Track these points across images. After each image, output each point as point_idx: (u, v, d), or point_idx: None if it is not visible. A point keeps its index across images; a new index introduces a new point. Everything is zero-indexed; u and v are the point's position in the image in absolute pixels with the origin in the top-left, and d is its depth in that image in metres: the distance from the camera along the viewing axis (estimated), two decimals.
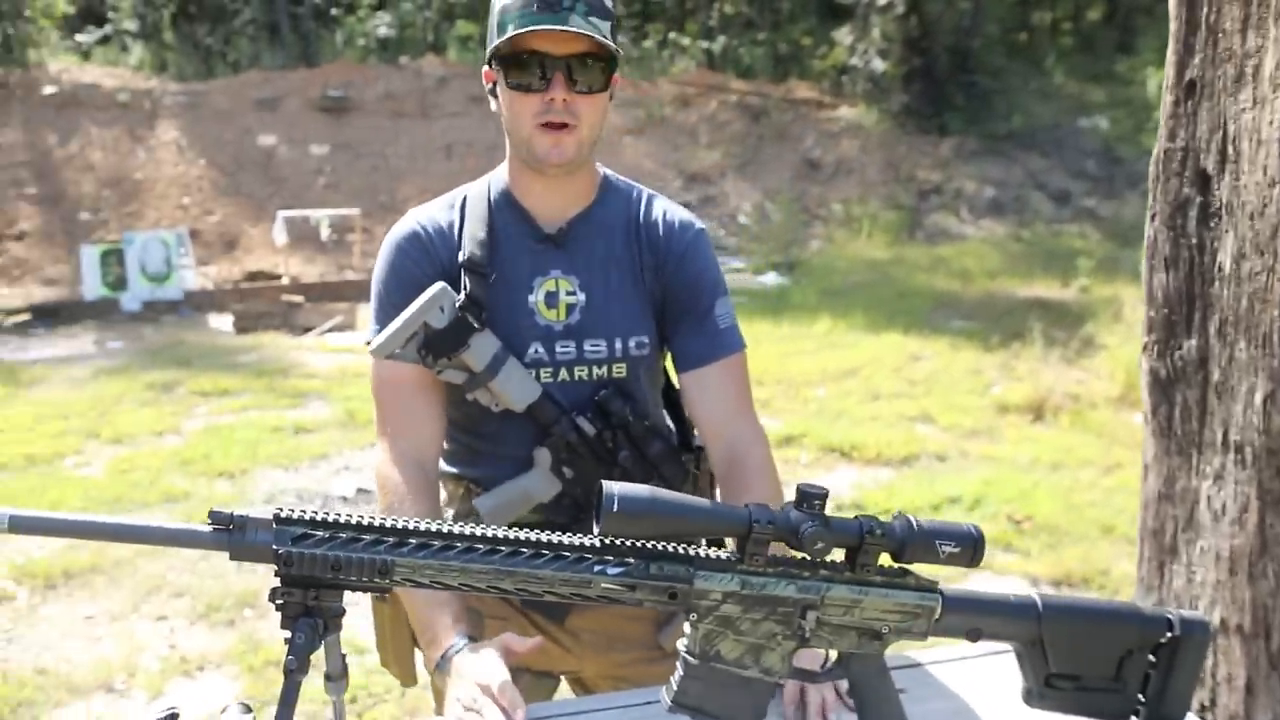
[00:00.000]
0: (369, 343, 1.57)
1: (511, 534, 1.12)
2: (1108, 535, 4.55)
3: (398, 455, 1.56)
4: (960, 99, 17.90)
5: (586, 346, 1.58)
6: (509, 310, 1.57)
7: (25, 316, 10.22)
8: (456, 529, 1.10)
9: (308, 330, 9.88)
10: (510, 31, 1.46)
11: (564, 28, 1.44)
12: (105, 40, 20.23)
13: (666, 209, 1.67)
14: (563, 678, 1.78)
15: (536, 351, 1.57)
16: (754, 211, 15.20)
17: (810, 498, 1.15)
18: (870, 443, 5.84)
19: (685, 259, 1.63)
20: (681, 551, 1.16)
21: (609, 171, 1.69)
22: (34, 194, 13.97)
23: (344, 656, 1.20)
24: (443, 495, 1.70)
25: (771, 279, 11.97)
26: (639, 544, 1.15)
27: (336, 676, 1.20)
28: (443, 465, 1.68)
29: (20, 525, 1.01)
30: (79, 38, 19.98)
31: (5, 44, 17.66)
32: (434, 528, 1.10)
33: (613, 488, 1.11)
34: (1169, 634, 1.24)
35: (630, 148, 16.43)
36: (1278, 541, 1.24)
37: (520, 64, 1.48)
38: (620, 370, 1.60)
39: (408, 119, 16.23)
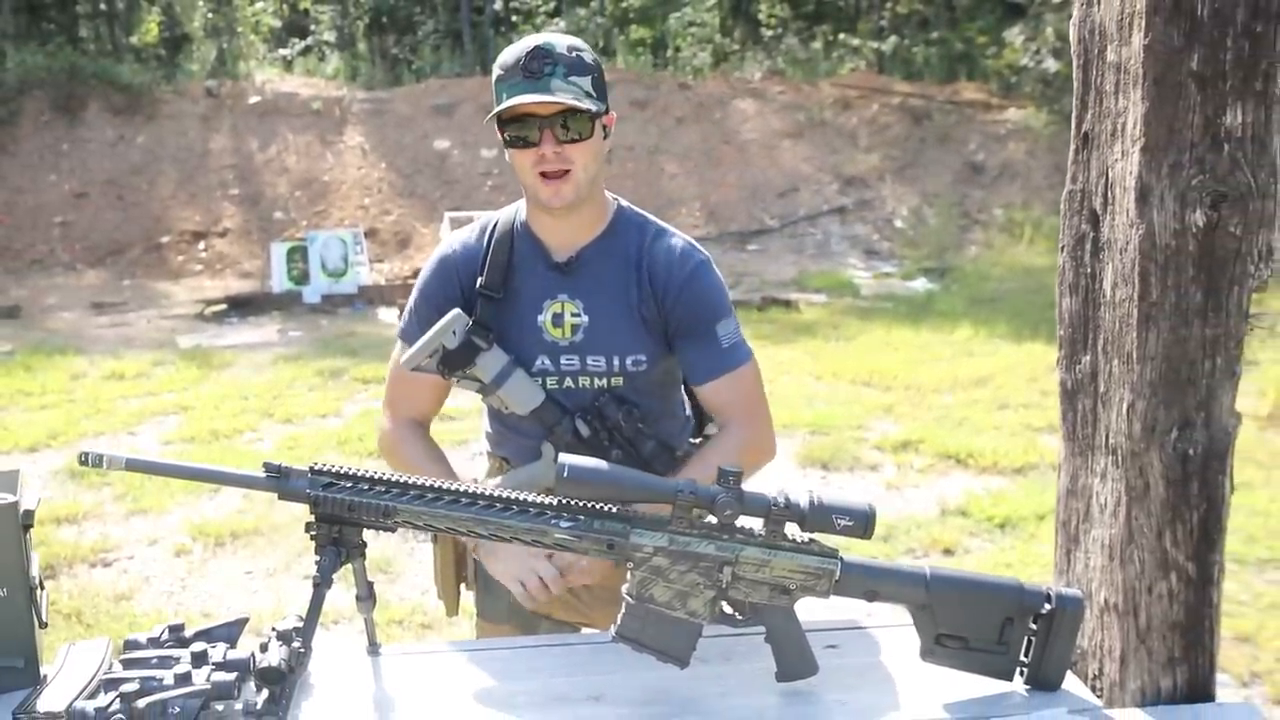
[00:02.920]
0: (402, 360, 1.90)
1: (487, 491, 1.44)
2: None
3: (398, 418, 1.99)
4: None
5: (589, 361, 1.85)
6: (519, 328, 1.86)
7: (222, 307, 11.32)
8: (446, 485, 1.44)
9: None
10: (504, 100, 1.74)
11: (546, 97, 1.70)
12: (306, 51, 21.84)
13: (671, 242, 1.89)
14: (581, 628, 2.08)
15: (543, 363, 1.86)
16: (910, 216, 15.07)
17: (728, 475, 1.42)
18: (988, 451, 5.88)
19: (685, 287, 1.85)
20: (622, 511, 1.45)
21: (626, 204, 1.94)
22: (236, 194, 15.35)
23: (371, 583, 1.55)
24: (485, 467, 2.05)
25: (920, 285, 11.88)
26: (590, 504, 1.45)
27: (364, 597, 1.55)
28: (485, 446, 2.03)
29: (134, 465, 1.40)
30: (282, 51, 21.67)
31: (219, 58, 19.41)
32: (428, 484, 1.43)
33: (565, 459, 1.41)
34: (1047, 606, 1.45)
35: (788, 151, 16.54)
36: (1141, 532, 1.42)
37: (515, 125, 1.75)
38: (618, 382, 1.86)
39: None
